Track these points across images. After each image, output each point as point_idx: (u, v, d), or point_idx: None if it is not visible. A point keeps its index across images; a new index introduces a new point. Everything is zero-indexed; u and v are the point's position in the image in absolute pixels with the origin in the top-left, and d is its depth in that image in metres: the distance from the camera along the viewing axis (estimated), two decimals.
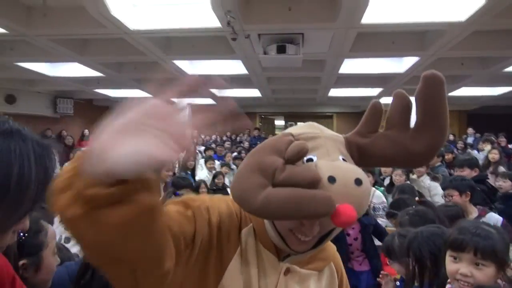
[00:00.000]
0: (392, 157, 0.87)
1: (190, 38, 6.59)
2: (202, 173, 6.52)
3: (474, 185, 2.80)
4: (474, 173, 3.42)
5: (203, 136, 12.78)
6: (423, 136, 0.84)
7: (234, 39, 5.89)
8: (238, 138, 13.28)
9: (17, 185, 0.71)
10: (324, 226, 0.80)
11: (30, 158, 0.73)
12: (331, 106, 15.41)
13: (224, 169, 7.29)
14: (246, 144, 12.43)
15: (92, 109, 14.30)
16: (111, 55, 7.42)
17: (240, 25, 5.43)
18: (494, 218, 2.56)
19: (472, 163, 3.50)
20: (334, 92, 11.65)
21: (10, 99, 11.48)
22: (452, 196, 2.56)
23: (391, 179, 4.87)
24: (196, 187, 5.13)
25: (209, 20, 5.42)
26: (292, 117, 17.55)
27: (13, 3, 5.46)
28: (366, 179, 0.76)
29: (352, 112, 15.92)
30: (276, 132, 17.51)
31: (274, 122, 18.20)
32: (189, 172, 6.23)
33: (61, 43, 6.59)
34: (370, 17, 5.29)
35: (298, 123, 0.96)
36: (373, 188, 3.77)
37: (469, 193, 2.62)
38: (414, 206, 2.30)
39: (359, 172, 0.75)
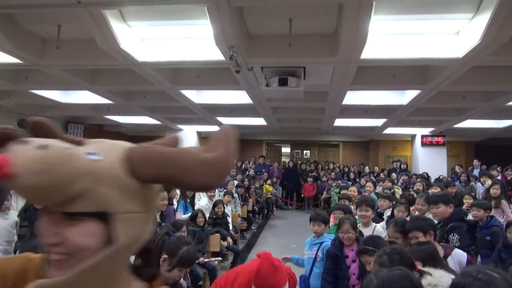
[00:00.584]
0: None
1: (196, 69, 6.83)
2: (202, 202, 6.59)
3: (435, 224, 2.86)
4: (449, 209, 3.41)
5: None
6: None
7: (237, 72, 6.08)
8: (243, 165, 13.36)
9: None
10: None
11: None
12: (337, 135, 15.51)
13: (226, 198, 7.36)
14: (251, 172, 12.52)
15: (102, 134, 14.59)
16: (120, 84, 7.70)
17: (243, 58, 5.64)
18: (459, 255, 2.59)
19: (447, 199, 3.51)
20: (340, 122, 11.79)
21: (23, 124, 11.79)
22: (417, 238, 2.61)
23: (392, 212, 4.88)
24: (193, 217, 5.20)
25: (214, 53, 5.64)
26: (299, 145, 17.68)
27: (29, 35, 5.78)
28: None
29: (358, 141, 15.99)
30: (283, 160, 17.60)
31: (280, 149, 18.31)
32: (188, 201, 6.30)
33: (72, 73, 6.88)
34: (369, 52, 5.47)
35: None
36: (374, 224, 3.81)
37: (432, 232, 2.68)
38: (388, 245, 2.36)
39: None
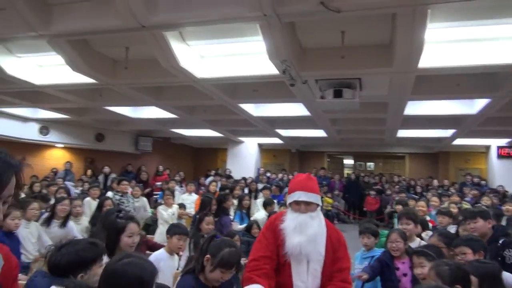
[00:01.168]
0: None
1: (252, 84, 7.03)
2: (259, 215, 6.66)
3: (486, 246, 2.70)
4: (488, 225, 3.17)
5: (268, 175, 13.06)
6: None
7: (292, 85, 6.17)
8: None
9: None
10: None
11: None
12: (402, 146, 14.86)
13: (283, 210, 7.39)
14: None
15: (169, 146, 15.44)
16: (182, 100, 8.16)
17: (296, 72, 5.72)
18: (508, 277, 2.42)
19: (484, 215, 3.26)
20: (403, 133, 11.32)
21: (100, 138, 12.93)
22: (464, 254, 2.50)
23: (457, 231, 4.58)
24: (248, 227, 5.33)
25: (268, 68, 5.79)
26: (362, 157, 17.19)
27: (101, 58, 6.39)
28: None
29: (426, 153, 15.17)
30: (346, 172, 17.21)
31: (343, 161, 17.94)
32: (244, 212, 6.45)
33: (140, 90, 7.44)
34: (427, 61, 5.26)
35: None
36: (418, 239, 3.64)
37: (482, 252, 2.56)
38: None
39: None
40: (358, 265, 3.58)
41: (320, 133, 11.82)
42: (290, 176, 13.52)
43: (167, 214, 5.53)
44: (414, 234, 3.65)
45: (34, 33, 5.12)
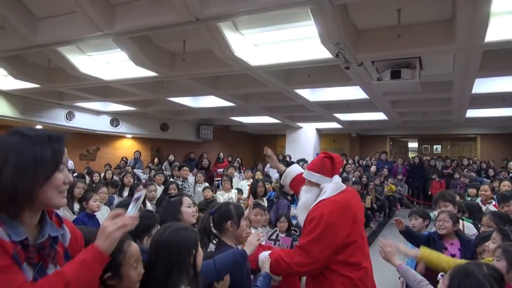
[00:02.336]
0: None
1: (307, 69, 6.99)
2: None
3: None
4: None
5: None
6: None
7: (347, 68, 6.05)
8: (364, 162, 13.01)
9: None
10: None
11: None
12: (473, 127, 13.91)
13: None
14: (373, 168, 12.12)
15: (229, 134, 15.86)
16: (239, 88, 8.34)
17: (351, 54, 5.60)
18: None
19: None
20: (473, 113, 10.60)
21: (164, 127, 13.64)
22: None
23: None
24: None
25: (322, 52, 5.73)
26: (427, 140, 16.37)
27: (161, 52, 6.73)
28: None
29: (501, 134, 14.06)
30: (409, 155, 16.50)
31: (407, 144, 17.20)
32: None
33: (198, 81, 7.73)
34: (495, 34, 4.88)
35: None
36: (461, 220, 3.48)
37: None
38: None
39: None
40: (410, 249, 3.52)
41: (380, 116, 11.44)
42: (350, 161, 13.29)
43: (223, 198, 5.77)
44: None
45: (100, 32, 5.53)
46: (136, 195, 1.46)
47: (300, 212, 2.52)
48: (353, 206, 2.43)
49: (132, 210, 1.35)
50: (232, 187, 6.66)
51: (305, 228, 2.40)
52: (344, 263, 2.32)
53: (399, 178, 12.49)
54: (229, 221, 2.33)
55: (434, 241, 3.03)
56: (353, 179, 8.98)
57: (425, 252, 2.70)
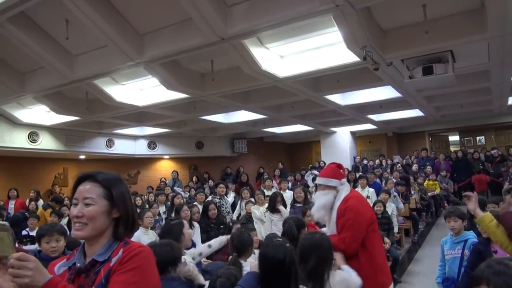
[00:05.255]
0: None
1: (335, 74, 6.93)
2: None
3: None
4: None
5: (365, 162, 12.70)
6: None
7: (376, 69, 5.97)
8: (404, 161, 12.64)
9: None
10: None
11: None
12: None
13: (383, 196, 7.14)
14: (415, 167, 11.75)
15: (263, 145, 15.91)
16: (269, 100, 8.41)
17: (378, 55, 5.52)
18: None
19: None
20: None
21: (199, 145, 13.91)
22: None
23: None
24: None
25: (348, 56, 5.70)
26: (469, 132, 15.69)
27: (191, 74, 6.92)
28: None
29: None
30: (452, 149, 15.87)
31: (447, 139, 16.56)
32: None
33: (228, 97, 7.87)
34: None
35: None
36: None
37: None
38: None
39: None
40: (449, 250, 3.37)
41: (416, 112, 11.12)
42: (389, 161, 12.96)
43: (259, 212, 5.75)
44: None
45: (132, 62, 5.78)
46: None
47: (317, 211, 3.01)
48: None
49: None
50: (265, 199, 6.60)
51: (340, 219, 2.84)
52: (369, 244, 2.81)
53: (443, 174, 12.01)
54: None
55: (481, 251, 2.87)
56: (394, 180, 8.72)
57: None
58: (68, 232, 3.02)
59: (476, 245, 2.98)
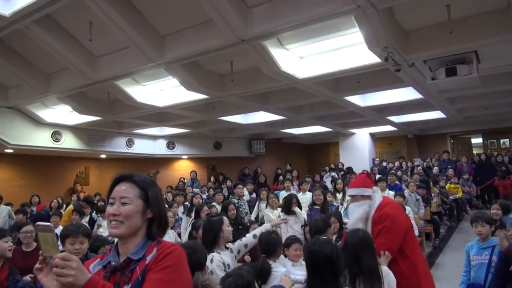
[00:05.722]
0: None
1: (356, 75, 6.86)
2: None
3: None
4: None
5: (384, 164, 12.52)
6: None
7: (397, 70, 5.88)
8: (425, 164, 12.41)
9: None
10: None
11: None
12: None
13: (398, 199, 7.00)
14: (436, 169, 11.53)
15: (281, 146, 15.88)
16: (288, 101, 8.38)
17: (400, 56, 5.44)
18: None
19: None
20: None
21: (218, 146, 13.98)
22: None
23: None
24: None
25: (369, 57, 5.63)
26: (493, 134, 15.28)
27: (210, 75, 6.96)
28: None
29: None
30: (475, 152, 15.50)
31: (470, 141, 16.18)
32: None
33: (247, 98, 7.88)
34: None
35: None
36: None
37: None
38: None
39: None
40: (475, 256, 3.28)
41: (437, 114, 10.91)
42: (409, 163, 12.74)
43: (273, 215, 5.71)
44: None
45: (153, 63, 5.85)
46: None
47: (355, 225, 2.90)
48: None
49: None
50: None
51: (376, 227, 2.87)
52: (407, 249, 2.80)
53: (465, 177, 11.73)
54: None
55: (508, 258, 2.79)
56: (417, 183, 8.54)
57: None
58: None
59: (504, 252, 2.90)
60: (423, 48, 5.35)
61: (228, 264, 2.82)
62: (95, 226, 6.52)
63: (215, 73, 7.06)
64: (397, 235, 2.75)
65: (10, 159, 10.45)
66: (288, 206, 5.40)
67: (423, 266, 2.81)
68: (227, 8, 4.46)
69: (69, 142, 10.43)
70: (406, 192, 7.62)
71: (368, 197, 2.98)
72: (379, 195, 3.03)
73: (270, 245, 2.92)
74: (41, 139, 9.75)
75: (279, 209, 6.06)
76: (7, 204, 7.85)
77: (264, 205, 6.57)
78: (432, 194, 9.01)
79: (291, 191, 7.36)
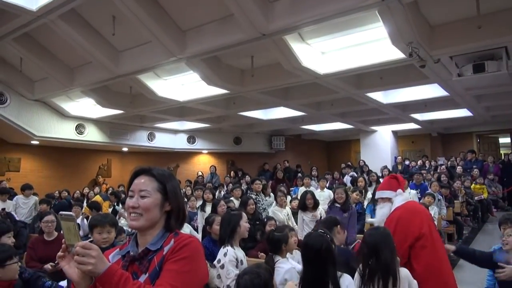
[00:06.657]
0: None
1: (378, 71, 6.72)
2: None
3: None
4: None
5: (407, 163, 12.27)
6: None
7: (422, 66, 5.72)
8: (449, 163, 12.09)
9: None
10: None
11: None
12: None
13: (427, 199, 6.86)
14: (459, 169, 11.22)
15: (301, 143, 15.78)
16: (308, 97, 8.30)
17: (425, 52, 5.29)
18: None
19: None
20: None
21: (237, 141, 14.00)
22: None
23: None
24: None
25: (393, 53, 5.50)
26: None
27: (231, 70, 6.95)
28: None
29: None
30: (501, 152, 15.01)
31: (497, 141, 15.66)
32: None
33: (268, 94, 7.84)
34: None
35: None
36: None
37: None
38: None
39: None
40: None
41: (463, 112, 10.59)
42: (433, 162, 12.44)
43: (282, 215, 5.65)
44: None
45: (174, 57, 5.89)
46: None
47: (379, 224, 3.03)
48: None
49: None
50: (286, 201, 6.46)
51: None
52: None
53: (491, 178, 11.37)
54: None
55: None
56: (439, 182, 8.33)
57: None
58: None
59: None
60: (449, 44, 5.19)
61: (241, 260, 2.85)
62: (117, 216, 6.67)
63: (236, 68, 7.05)
64: (400, 241, 2.67)
65: (36, 150, 10.75)
66: (303, 203, 5.42)
67: (435, 279, 2.67)
68: (248, 2, 4.43)
69: (92, 134, 10.65)
70: (428, 192, 7.45)
71: (389, 200, 3.02)
72: (400, 197, 3.01)
73: (274, 243, 3.00)
74: (65, 132, 9.99)
75: (288, 208, 6.02)
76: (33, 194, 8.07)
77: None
78: (458, 194, 8.78)
79: (310, 188, 7.30)
